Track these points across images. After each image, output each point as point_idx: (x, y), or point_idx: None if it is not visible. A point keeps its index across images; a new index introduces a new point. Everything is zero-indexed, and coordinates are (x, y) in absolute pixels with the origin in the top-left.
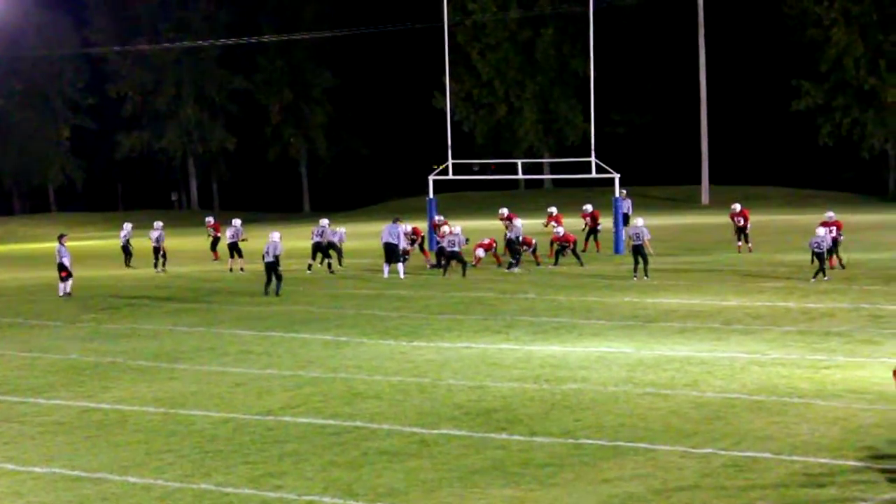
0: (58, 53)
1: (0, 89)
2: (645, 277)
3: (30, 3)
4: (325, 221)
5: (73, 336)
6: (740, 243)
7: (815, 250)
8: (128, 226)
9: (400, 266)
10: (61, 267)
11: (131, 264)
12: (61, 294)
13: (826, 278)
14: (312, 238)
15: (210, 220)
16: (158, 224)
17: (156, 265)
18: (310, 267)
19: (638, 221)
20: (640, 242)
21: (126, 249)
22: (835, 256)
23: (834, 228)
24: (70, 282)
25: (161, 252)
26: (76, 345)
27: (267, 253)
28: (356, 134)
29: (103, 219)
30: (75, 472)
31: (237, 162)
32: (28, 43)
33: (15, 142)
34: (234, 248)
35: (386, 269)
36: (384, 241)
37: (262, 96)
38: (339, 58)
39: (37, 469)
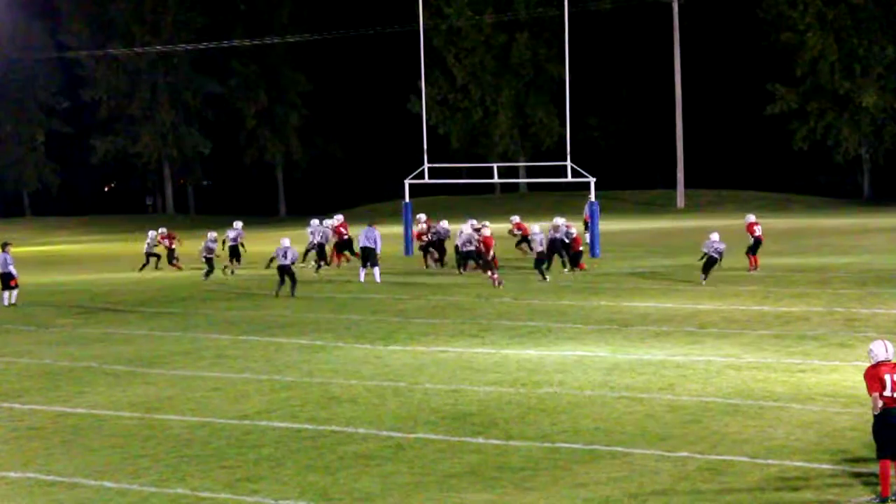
0: (32, 57)
1: None
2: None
3: (3, 6)
4: (315, 222)
5: (47, 341)
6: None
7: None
8: (152, 233)
9: (376, 270)
10: (8, 276)
11: (151, 268)
12: (6, 304)
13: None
14: (315, 238)
15: (163, 230)
16: (238, 224)
17: (225, 267)
18: (320, 266)
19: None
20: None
21: (151, 255)
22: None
23: (757, 229)
24: (16, 291)
25: (237, 253)
26: (50, 349)
27: (283, 256)
28: (331, 138)
29: (78, 223)
30: (50, 477)
31: (213, 166)
32: (1, 47)
33: None
34: (234, 252)
35: (362, 272)
36: (361, 244)
37: (237, 100)
38: (314, 61)
39: (11, 474)
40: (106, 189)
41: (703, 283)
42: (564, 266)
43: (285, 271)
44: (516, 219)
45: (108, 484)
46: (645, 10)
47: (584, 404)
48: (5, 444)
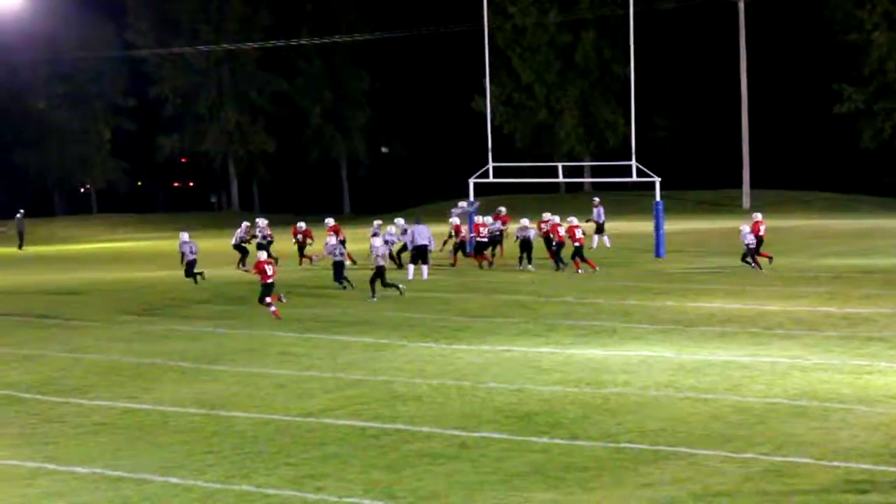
0: (98, 56)
1: (42, 92)
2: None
3: (71, 5)
4: (378, 222)
5: (114, 337)
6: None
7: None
8: (245, 224)
9: (425, 268)
10: None
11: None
12: None
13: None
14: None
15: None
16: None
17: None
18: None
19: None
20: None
21: (240, 248)
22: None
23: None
24: None
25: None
26: (117, 345)
27: (334, 253)
28: (395, 136)
29: (143, 220)
30: (117, 473)
31: (277, 164)
32: (69, 45)
33: (56, 144)
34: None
35: (411, 270)
36: (419, 242)
37: (302, 98)
38: (379, 60)
39: (78, 469)
40: (175, 185)
41: (762, 269)
42: (524, 262)
43: (341, 266)
44: (503, 210)
45: (173, 480)
46: (710, 8)
47: (648, 404)
48: (73, 439)
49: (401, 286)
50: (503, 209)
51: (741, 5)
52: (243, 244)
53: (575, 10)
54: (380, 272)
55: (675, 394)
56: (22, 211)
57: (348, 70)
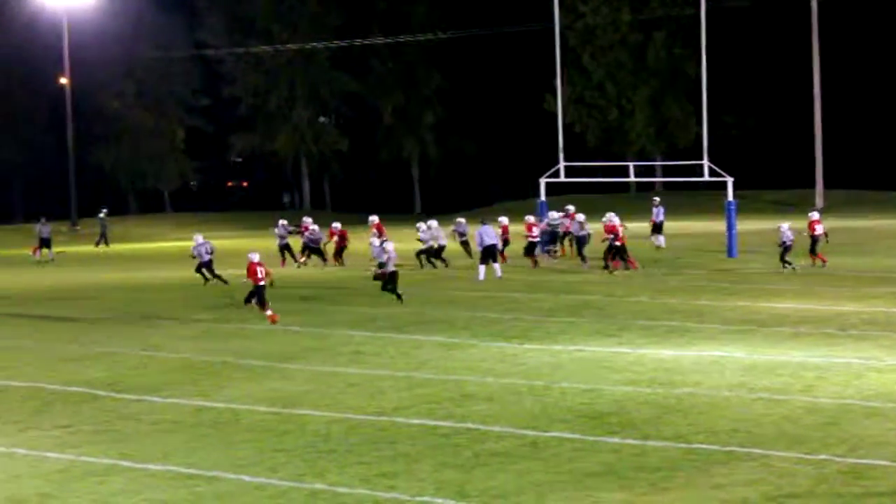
0: (172, 55)
1: (115, 91)
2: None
3: (144, 5)
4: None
5: (186, 335)
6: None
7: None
8: (282, 222)
9: (497, 266)
10: None
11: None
12: None
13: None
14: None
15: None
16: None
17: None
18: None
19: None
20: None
21: (286, 248)
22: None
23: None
24: None
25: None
26: (189, 344)
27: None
28: (466, 135)
29: (216, 219)
30: (190, 470)
31: (349, 162)
32: (142, 45)
33: (130, 143)
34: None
35: (482, 270)
36: (488, 242)
37: (374, 97)
38: (450, 59)
39: (152, 466)
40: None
41: (797, 269)
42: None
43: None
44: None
45: (246, 478)
46: (783, 6)
47: (721, 405)
48: (147, 436)
49: (401, 295)
50: (571, 207)
51: (814, 2)
52: (286, 242)
53: (646, 9)
54: (392, 276)
55: (748, 394)
56: (105, 210)
57: (420, 69)
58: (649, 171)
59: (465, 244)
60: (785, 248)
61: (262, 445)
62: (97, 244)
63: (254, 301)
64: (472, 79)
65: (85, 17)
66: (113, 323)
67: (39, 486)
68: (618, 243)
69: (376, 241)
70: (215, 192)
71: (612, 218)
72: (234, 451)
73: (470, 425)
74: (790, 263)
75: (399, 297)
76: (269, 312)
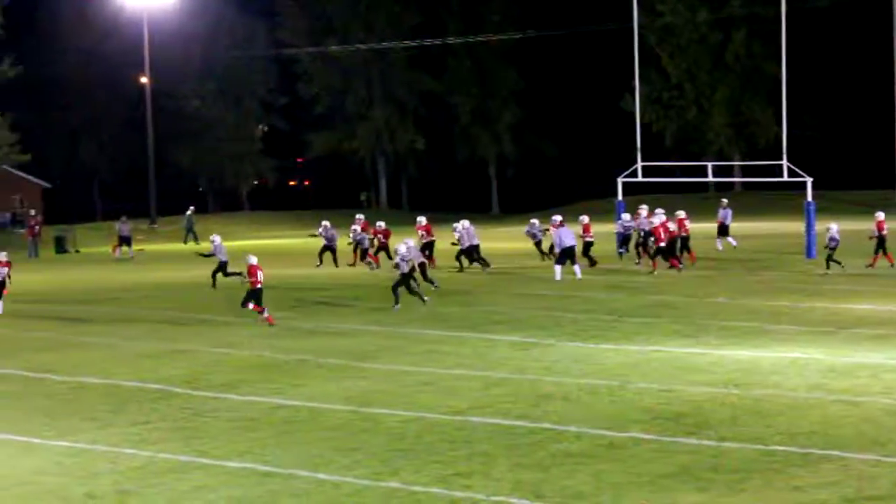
0: (251, 54)
1: (195, 90)
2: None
3: (224, 5)
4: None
5: (263, 333)
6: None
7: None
8: (354, 227)
9: (577, 267)
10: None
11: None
12: None
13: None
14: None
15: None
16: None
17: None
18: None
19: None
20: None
21: (361, 244)
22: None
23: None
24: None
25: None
26: (266, 342)
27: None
28: (544, 135)
29: (294, 217)
30: (266, 468)
31: (426, 162)
32: (222, 44)
33: (209, 142)
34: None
35: (558, 270)
36: (567, 243)
37: (451, 97)
38: (527, 59)
39: (228, 463)
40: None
41: (844, 267)
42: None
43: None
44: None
45: (322, 476)
46: (863, 5)
47: (799, 407)
48: (224, 434)
49: (426, 297)
50: (645, 208)
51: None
52: (358, 242)
53: (725, 8)
54: (405, 278)
55: (827, 396)
56: (192, 208)
57: (497, 68)
58: (727, 171)
59: (537, 245)
60: (832, 249)
61: (339, 444)
62: (185, 241)
63: (251, 303)
64: (549, 78)
65: (165, 17)
66: (190, 321)
67: (118, 483)
68: (662, 244)
69: (411, 242)
70: (290, 191)
71: (583, 220)
72: (310, 449)
73: (546, 425)
74: (838, 263)
75: (399, 297)
76: (265, 315)
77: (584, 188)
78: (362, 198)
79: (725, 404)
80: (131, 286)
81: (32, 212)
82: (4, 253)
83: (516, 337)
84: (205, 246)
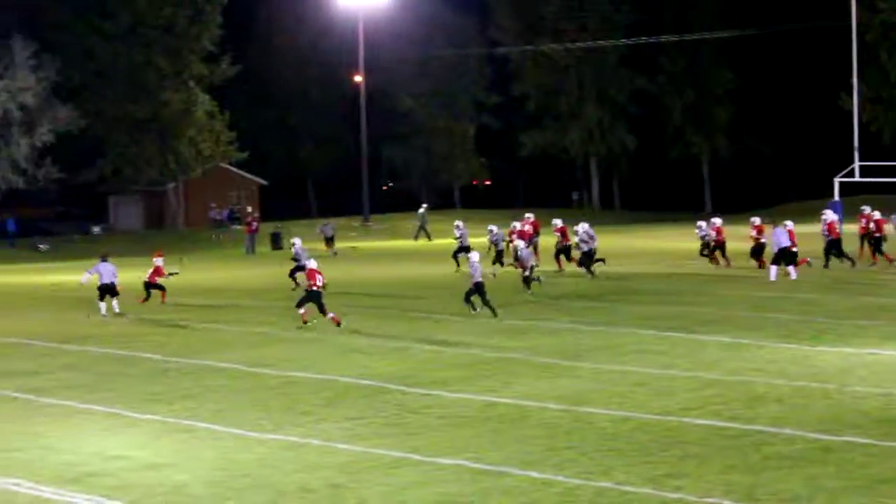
0: (464, 53)
1: (408, 89)
2: None
3: (437, 4)
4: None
5: (475, 331)
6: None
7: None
8: (491, 229)
9: (791, 268)
10: (110, 287)
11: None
12: (104, 313)
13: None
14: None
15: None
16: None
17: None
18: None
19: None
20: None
21: (497, 245)
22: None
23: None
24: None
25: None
26: (478, 339)
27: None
28: (758, 134)
29: (504, 216)
30: (478, 465)
31: (638, 161)
32: (436, 44)
33: (422, 140)
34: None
35: (773, 270)
36: (783, 244)
37: (664, 96)
38: (742, 57)
39: (441, 460)
40: (487, 183)
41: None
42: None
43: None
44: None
45: (534, 474)
46: None
47: None
48: (435, 431)
49: (496, 310)
50: (867, 208)
51: None
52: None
53: None
54: (478, 287)
55: None
56: (425, 205)
57: (711, 67)
58: None
59: (705, 245)
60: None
61: (550, 442)
62: (416, 238)
63: (304, 306)
64: (764, 76)
65: (379, 17)
66: (405, 318)
67: (330, 477)
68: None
69: (522, 244)
70: (502, 189)
71: (754, 221)
72: (521, 447)
73: (759, 427)
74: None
75: (475, 309)
76: (331, 315)
77: (799, 188)
78: (574, 197)
79: None
80: (344, 283)
81: (250, 209)
82: (162, 259)
83: (728, 338)
84: (416, 245)
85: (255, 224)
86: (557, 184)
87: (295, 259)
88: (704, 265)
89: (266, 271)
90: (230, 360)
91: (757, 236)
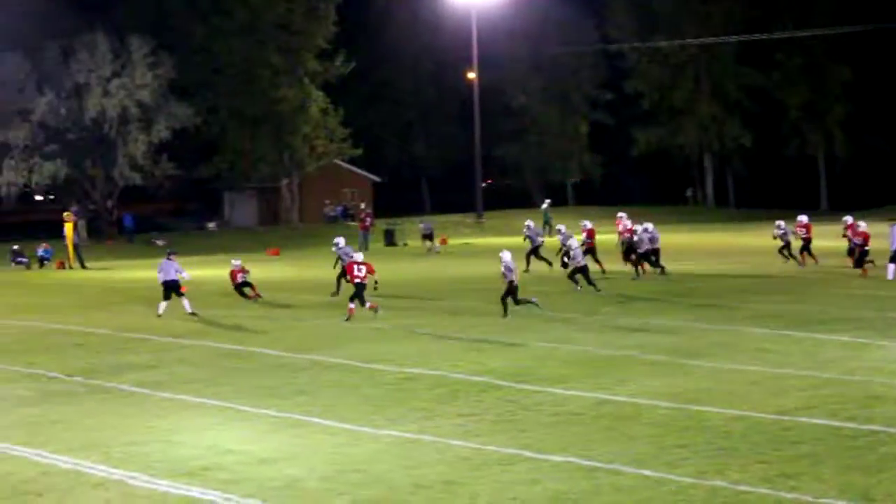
0: (578, 50)
1: (522, 86)
2: None
3: (552, 1)
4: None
5: (591, 328)
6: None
7: None
8: (532, 230)
9: (890, 266)
10: (172, 285)
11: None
12: (160, 312)
13: None
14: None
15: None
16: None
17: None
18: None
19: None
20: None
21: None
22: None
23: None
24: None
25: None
26: (591, 337)
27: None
28: (875, 130)
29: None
30: (590, 463)
31: (753, 158)
32: (550, 41)
33: (535, 138)
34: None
35: (891, 269)
36: None
37: (780, 92)
38: (860, 53)
39: (553, 457)
40: (489, 182)
41: None
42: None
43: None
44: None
45: (646, 472)
46: None
47: None
48: (548, 427)
49: (535, 300)
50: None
51: None
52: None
53: None
54: (511, 289)
55: None
56: (548, 200)
57: (827, 63)
58: None
59: (786, 245)
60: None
61: (663, 441)
62: (549, 234)
63: (356, 301)
64: (882, 72)
65: (493, 14)
66: (517, 315)
67: (444, 473)
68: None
69: (575, 243)
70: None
71: (847, 220)
72: (634, 445)
73: (876, 427)
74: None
75: (505, 311)
76: (368, 304)
77: None
78: (688, 194)
79: None
80: (459, 279)
81: (363, 205)
82: (239, 261)
83: (846, 337)
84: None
85: (368, 220)
86: (671, 181)
87: (340, 259)
88: (812, 265)
89: (378, 268)
90: (343, 355)
91: (853, 235)
